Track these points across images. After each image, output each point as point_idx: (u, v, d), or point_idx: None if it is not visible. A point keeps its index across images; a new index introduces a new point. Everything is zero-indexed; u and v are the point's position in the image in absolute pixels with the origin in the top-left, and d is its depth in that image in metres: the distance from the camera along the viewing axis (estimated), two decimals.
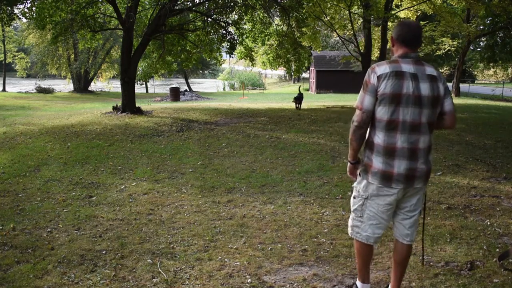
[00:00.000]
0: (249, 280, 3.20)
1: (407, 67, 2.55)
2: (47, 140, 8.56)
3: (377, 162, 2.60)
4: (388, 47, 18.86)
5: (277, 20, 15.91)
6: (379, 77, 2.52)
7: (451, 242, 3.80)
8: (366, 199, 2.69)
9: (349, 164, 2.79)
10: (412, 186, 2.64)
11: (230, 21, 14.43)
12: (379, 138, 2.58)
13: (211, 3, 13.87)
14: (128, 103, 12.32)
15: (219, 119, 11.10)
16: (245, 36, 14.64)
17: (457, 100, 19.80)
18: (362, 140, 2.67)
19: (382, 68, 2.54)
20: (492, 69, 33.49)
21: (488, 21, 22.87)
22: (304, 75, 44.46)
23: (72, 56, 33.77)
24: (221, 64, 21.90)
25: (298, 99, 13.62)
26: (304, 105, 15.99)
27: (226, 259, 3.55)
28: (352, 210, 2.81)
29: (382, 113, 2.55)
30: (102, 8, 14.11)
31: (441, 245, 3.74)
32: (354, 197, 2.78)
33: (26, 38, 33.37)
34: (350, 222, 2.85)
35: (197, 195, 5.28)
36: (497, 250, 3.62)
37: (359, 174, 2.74)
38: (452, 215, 4.47)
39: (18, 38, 35.26)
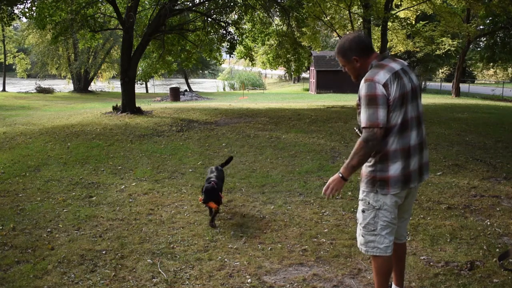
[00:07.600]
0: (249, 280, 3.20)
1: (395, 65, 2.50)
2: (47, 140, 8.56)
3: (395, 170, 2.48)
4: (387, 46, 18.88)
5: (277, 20, 15.91)
6: (385, 86, 2.39)
7: (451, 242, 3.80)
8: (378, 209, 2.53)
9: (341, 180, 2.50)
10: (422, 180, 2.64)
11: (230, 21, 14.44)
12: (393, 144, 2.47)
13: (211, 3, 13.88)
14: (128, 103, 12.34)
15: (219, 119, 11.10)
16: (245, 36, 14.65)
17: (457, 100, 19.80)
18: None
19: (381, 76, 2.41)
20: (492, 69, 33.48)
21: (488, 21, 22.89)
22: (304, 75, 44.45)
23: (72, 56, 33.80)
24: (221, 64, 21.93)
25: (210, 192, 4.19)
26: (305, 105, 15.99)
27: (226, 259, 3.54)
28: (362, 226, 2.60)
29: (395, 118, 2.44)
30: (102, 8, 14.13)
31: (441, 245, 3.74)
32: (364, 211, 2.58)
33: (26, 38, 33.37)
34: (361, 240, 2.62)
35: (197, 195, 5.26)
36: (497, 250, 3.62)
37: (371, 185, 2.54)
38: (452, 215, 4.47)
39: (18, 38, 35.25)
